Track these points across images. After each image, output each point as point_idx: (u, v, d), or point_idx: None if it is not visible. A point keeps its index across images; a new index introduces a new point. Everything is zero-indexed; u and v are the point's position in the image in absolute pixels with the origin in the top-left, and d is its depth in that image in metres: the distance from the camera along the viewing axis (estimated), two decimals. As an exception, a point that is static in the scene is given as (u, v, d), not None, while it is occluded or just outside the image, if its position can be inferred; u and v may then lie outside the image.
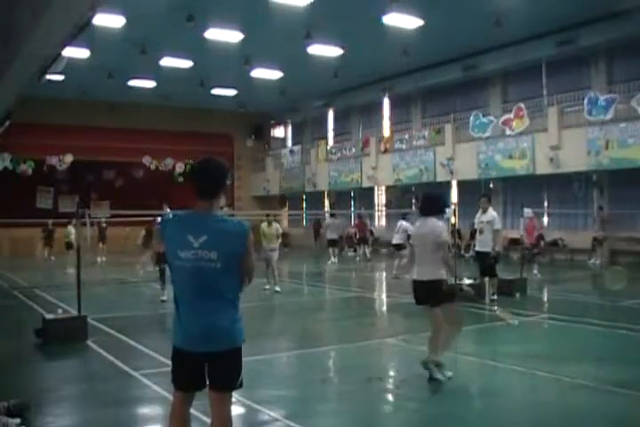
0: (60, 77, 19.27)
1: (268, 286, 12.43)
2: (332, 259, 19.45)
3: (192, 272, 3.03)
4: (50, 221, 21.08)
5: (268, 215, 12.91)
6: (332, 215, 20.42)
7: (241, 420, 4.70)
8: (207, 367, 3.10)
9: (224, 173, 3.21)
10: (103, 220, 21.96)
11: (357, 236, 22.01)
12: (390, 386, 5.65)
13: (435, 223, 5.56)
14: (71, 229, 17.71)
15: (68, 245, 18.15)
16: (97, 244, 21.12)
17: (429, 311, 5.60)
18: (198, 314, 3.05)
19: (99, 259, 20.41)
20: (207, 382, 3.12)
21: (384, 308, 11.32)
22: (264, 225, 12.35)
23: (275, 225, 12.48)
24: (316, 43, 18.32)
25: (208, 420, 3.45)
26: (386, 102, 26.56)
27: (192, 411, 3.33)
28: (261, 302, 11.34)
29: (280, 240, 12.76)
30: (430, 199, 5.87)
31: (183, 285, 3.10)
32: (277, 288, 12.14)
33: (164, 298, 10.22)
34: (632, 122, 16.23)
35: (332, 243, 19.72)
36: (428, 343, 5.60)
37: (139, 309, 10.27)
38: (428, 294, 5.50)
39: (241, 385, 3.20)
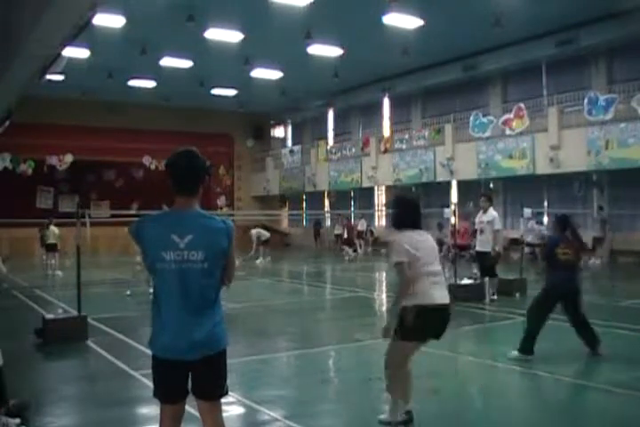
0: (60, 77, 19.28)
1: None
2: (261, 259, 19.50)
3: (177, 275, 2.83)
4: (45, 221, 20.88)
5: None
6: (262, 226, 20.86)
7: (241, 420, 4.70)
8: (192, 375, 2.91)
9: (204, 167, 2.98)
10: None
11: (345, 236, 22.11)
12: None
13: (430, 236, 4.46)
14: (54, 229, 16.70)
15: (50, 247, 16.47)
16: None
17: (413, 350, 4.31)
18: (183, 319, 2.84)
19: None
20: (191, 391, 2.94)
21: (384, 308, 11.31)
22: None
23: None
24: (316, 43, 18.34)
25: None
26: (386, 102, 26.57)
27: (191, 410, 3.31)
28: (261, 301, 11.35)
29: None
30: (416, 207, 4.47)
31: (167, 288, 2.88)
32: None
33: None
34: (632, 122, 16.24)
35: (266, 242, 19.93)
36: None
37: (139, 309, 10.26)
38: (448, 321, 4.28)
39: (227, 392, 3.03)
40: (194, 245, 2.83)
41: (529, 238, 16.67)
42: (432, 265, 4.22)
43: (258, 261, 19.06)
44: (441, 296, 4.18)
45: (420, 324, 4.10)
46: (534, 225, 16.87)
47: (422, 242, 4.24)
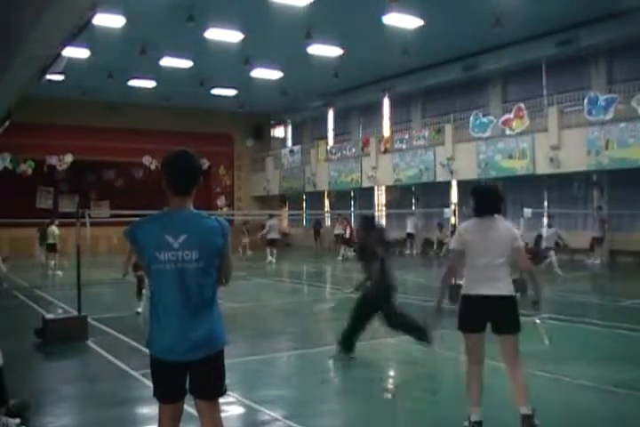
0: (60, 77, 19.27)
1: None
2: (270, 258, 19.41)
3: (173, 275, 2.82)
4: (47, 221, 20.85)
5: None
6: (270, 216, 20.74)
7: (241, 420, 4.71)
8: (191, 374, 2.90)
9: (199, 167, 3.03)
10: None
11: (342, 236, 22.12)
12: (390, 386, 5.65)
13: (506, 224, 4.37)
14: (54, 229, 16.72)
15: (50, 247, 16.63)
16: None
17: (503, 341, 4.29)
18: (181, 319, 2.83)
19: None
20: (190, 391, 2.94)
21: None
22: None
23: None
24: (316, 43, 18.34)
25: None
26: (386, 102, 26.57)
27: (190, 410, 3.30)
28: (261, 301, 11.34)
29: None
30: (491, 193, 4.43)
31: (164, 289, 2.86)
32: None
33: (140, 310, 9.32)
34: (632, 122, 16.24)
35: (272, 242, 19.77)
36: (519, 393, 4.29)
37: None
38: (508, 314, 4.25)
39: (225, 391, 3.03)
40: (188, 245, 2.83)
41: (550, 244, 15.49)
42: (484, 257, 4.18)
43: (268, 261, 19.12)
44: (485, 286, 4.16)
45: (460, 313, 4.27)
46: (548, 230, 15.84)
47: (484, 231, 4.23)
